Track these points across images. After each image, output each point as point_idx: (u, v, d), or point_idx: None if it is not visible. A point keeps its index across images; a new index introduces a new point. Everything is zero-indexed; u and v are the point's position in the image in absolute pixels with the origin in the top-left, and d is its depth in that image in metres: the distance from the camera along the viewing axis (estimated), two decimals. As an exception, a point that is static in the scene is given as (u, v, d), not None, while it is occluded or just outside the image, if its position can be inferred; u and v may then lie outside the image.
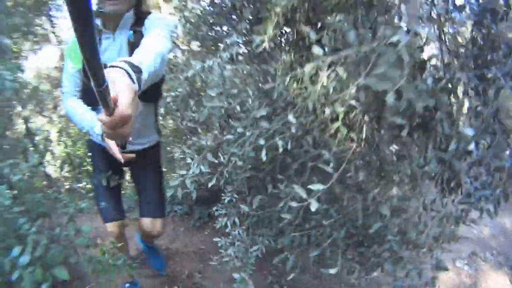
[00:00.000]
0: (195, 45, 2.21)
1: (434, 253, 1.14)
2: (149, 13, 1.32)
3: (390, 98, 0.69)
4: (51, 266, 0.95)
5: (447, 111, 0.92)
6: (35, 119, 4.51)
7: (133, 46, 1.23)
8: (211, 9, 1.50)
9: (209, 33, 1.56)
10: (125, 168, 1.81)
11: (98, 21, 1.28)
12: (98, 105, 0.60)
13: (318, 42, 0.95)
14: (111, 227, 1.55)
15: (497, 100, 0.98)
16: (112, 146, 1.16)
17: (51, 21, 5.74)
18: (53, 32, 5.85)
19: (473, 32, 1.00)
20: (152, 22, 1.26)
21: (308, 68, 0.91)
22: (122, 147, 1.34)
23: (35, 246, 0.94)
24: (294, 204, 0.89)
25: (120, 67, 0.60)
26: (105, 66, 0.50)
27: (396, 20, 0.92)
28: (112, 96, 0.48)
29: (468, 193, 1.04)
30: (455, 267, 2.78)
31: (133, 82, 0.60)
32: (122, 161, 1.15)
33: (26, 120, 3.75)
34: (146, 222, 1.58)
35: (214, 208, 1.68)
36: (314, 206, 0.83)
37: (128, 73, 0.61)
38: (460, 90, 1.00)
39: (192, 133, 2.42)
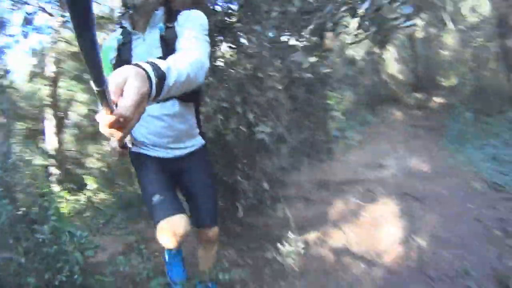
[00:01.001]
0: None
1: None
2: (180, 10, 1.22)
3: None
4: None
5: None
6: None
7: (166, 42, 1.16)
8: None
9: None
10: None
11: (127, 23, 1.24)
12: None
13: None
14: (167, 224, 1.21)
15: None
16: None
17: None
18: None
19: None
20: (186, 19, 1.17)
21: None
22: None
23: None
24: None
25: (143, 68, 0.57)
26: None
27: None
28: (113, 99, 0.48)
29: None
30: (345, 199, 2.92)
31: (151, 87, 0.58)
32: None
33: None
34: (208, 231, 1.43)
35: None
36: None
37: (149, 76, 0.58)
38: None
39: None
